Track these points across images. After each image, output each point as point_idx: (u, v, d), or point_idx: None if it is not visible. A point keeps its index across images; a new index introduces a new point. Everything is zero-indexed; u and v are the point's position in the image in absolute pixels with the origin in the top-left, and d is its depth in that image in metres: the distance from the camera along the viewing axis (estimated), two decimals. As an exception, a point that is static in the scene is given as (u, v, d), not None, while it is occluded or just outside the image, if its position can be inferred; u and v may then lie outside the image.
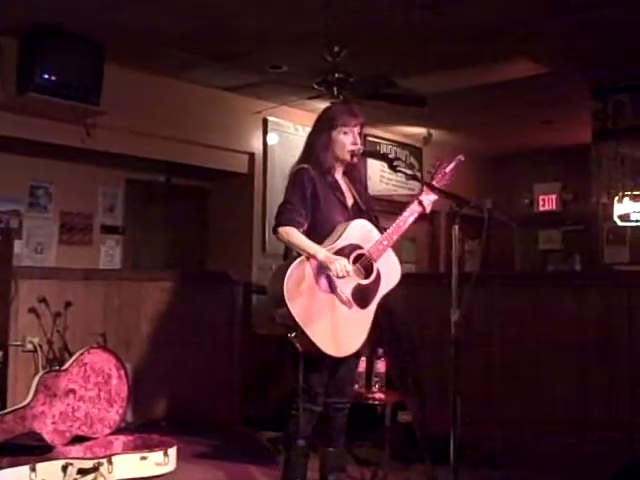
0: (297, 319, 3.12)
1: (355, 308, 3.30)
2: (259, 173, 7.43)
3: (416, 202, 3.44)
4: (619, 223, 6.83)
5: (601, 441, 4.24)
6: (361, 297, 3.32)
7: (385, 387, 4.48)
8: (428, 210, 3.47)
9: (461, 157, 3.53)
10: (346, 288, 3.27)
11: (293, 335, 3.16)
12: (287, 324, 3.15)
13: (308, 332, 3.14)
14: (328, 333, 3.21)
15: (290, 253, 3.42)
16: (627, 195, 6.73)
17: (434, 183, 3.46)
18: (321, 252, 3.24)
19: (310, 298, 3.19)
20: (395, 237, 3.38)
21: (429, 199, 3.46)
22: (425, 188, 3.46)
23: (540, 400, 4.53)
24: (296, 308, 3.13)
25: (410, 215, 3.42)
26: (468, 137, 8.76)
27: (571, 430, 4.38)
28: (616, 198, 6.78)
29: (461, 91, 6.82)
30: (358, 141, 3.50)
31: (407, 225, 3.41)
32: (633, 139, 6.70)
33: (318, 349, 3.18)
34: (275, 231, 3.39)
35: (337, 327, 3.23)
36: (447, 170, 3.50)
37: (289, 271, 3.16)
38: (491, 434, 4.60)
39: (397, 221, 3.40)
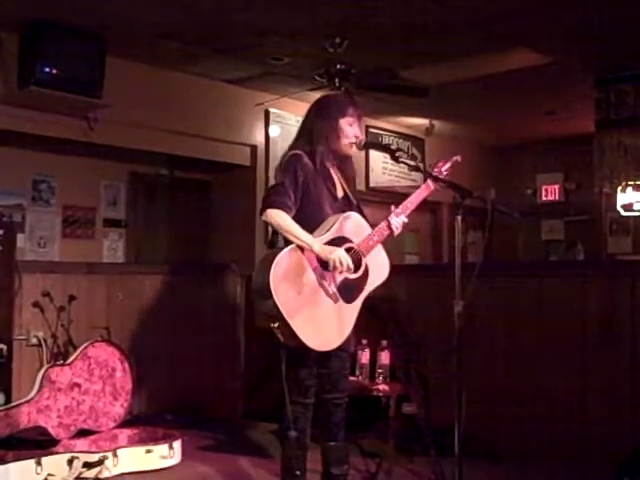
0: (282, 310, 3.06)
1: (340, 302, 3.27)
2: (261, 165, 7.42)
3: (384, 224, 3.37)
4: (622, 213, 6.83)
5: (603, 433, 4.24)
6: (347, 291, 3.28)
7: (389, 379, 4.49)
8: (396, 233, 3.39)
9: (458, 158, 3.52)
10: (333, 281, 3.25)
11: (276, 325, 3.11)
12: (270, 314, 3.11)
13: (292, 324, 3.08)
14: (312, 326, 3.15)
15: (277, 240, 3.37)
16: (630, 185, 6.72)
17: (429, 183, 3.43)
18: (317, 244, 3.19)
19: (296, 290, 3.14)
20: (387, 234, 3.37)
21: (398, 221, 3.38)
22: (395, 210, 3.38)
23: (542, 392, 4.53)
24: (281, 299, 3.07)
25: (381, 236, 3.38)
26: (471, 128, 8.75)
27: (573, 422, 4.39)
28: (619, 188, 6.77)
29: (463, 82, 6.81)
30: (359, 133, 3.50)
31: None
32: (636, 128, 6.68)
33: (300, 341, 3.13)
34: (263, 212, 3.29)
35: (321, 320, 3.19)
36: (443, 169, 3.47)
37: (276, 261, 3.10)
38: (495, 426, 4.61)
39: (381, 225, 3.38)
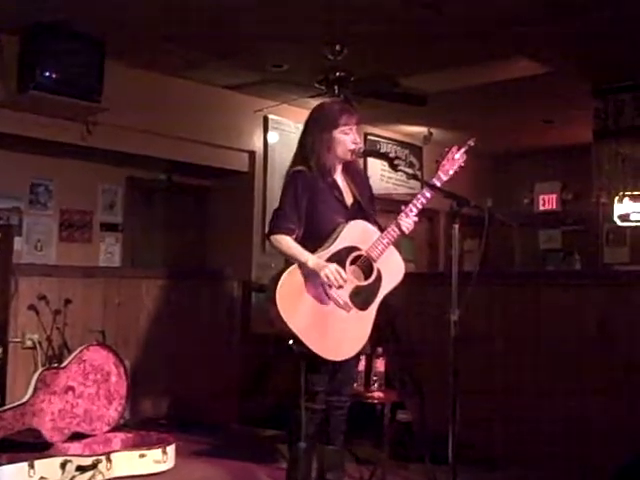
0: (294, 330, 3.11)
1: (354, 311, 3.27)
2: (260, 171, 7.42)
3: (394, 225, 3.34)
4: (619, 223, 6.83)
5: (601, 440, 4.24)
6: (360, 299, 3.28)
7: (384, 386, 4.48)
8: (405, 231, 3.36)
9: (471, 142, 3.45)
10: (342, 292, 3.24)
11: (291, 343, 3.15)
12: (283, 333, 3.15)
13: (306, 342, 3.12)
14: (327, 339, 3.18)
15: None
16: (627, 195, 6.72)
17: (440, 173, 3.39)
18: (311, 259, 3.21)
19: (305, 307, 3.17)
20: (397, 235, 3.35)
21: (409, 222, 3.36)
22: (404, 210, 3.37)
23: (539, 399, 4.53)
24: (291, 320, 3.11)
25: (391, 238, 3.37)
26: (469, 136, 8.71)
27: (570, 429, 4.38)
28: (616, 198, 6.77)
29: (462, 90, 6.82)
30: (358, 140, 3.49)
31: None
32: (634, 139, 6.69)
33: (318, 356, 3.17)
34: (268, 239, 3.38)
35: (336, 332, 3.21)
36: (456, 157, 3.43)
37: (280, 284, 3.15)
38: (490, 433, 4.60)
39: (390, 227, 3.37)
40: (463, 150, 3.44)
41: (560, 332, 4.51)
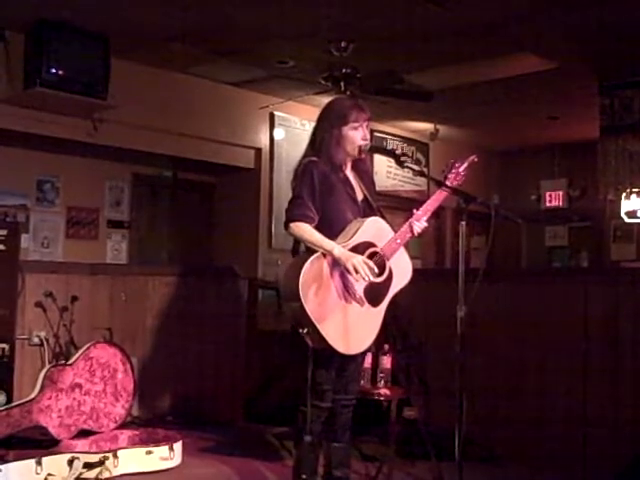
0: (311, 316, 3.10)
1: (367, 306, 3.28)
2: (265, 168, 7.43)
3: (407, 227, 3.36)
4: (626, 220, 6.82)
5: (604, 439, 4.23)
6: (373, 295, 3.28)
7: (391, 383, 4.49)
8: (416, 234, 3.40)
9: (474, 157, 3.48)
10: (359, 286, 3.26)
11: (305, 332, 3.14)
12: (299, 319, 3.14)
13: (320, 329, 3.11)
14: (340, 330, 3.19)
15: (299, 248, 3.40)
16: (635, 192, 6.71)
17: (447, 183, 3.42)
18: (337, 248, 3.19)
19: (324, 295, 3.16)
20: (409, 236, 3.37)
21: (420, 226, 3.38)
22: (416, 213, 3.37)
23: (544, 397, 4.53)
24: (310, 305, 3.10)
25: (404, 239, 3.38)
26: (475, 132, 8.75)
27: (574, 427, 4.37)
28: (623, 195, 6.76)
29: (468, 86, 6.82)
30: (367, 137, 3.49)
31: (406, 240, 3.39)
32: (641, 135, 6.68)
33: (329, 346, 3.17)
34: (287, 227, 3.34)
35: (349, 325, 3.22)
36: (460, 170, 3.45)
37: (305, 267, 3.12)
38: (495, 431, 4.60)
39: (403, 229, 3.38)
40: (466, 165, 3.46)
41: (566, 329, 4.50)
